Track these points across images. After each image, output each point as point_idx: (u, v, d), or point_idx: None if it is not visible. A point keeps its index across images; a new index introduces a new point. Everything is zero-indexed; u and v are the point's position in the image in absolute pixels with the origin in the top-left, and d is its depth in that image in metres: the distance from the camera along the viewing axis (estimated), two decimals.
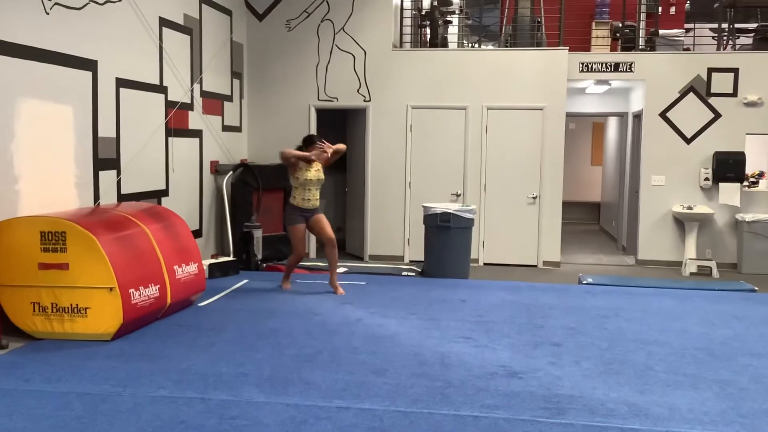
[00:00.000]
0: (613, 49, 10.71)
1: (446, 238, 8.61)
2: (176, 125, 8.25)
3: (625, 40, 10.62)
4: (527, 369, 4.94)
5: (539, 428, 3.90)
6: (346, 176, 11.06)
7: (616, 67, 10.10)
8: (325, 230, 7.34)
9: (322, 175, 7.36)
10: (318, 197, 7.37)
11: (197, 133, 8.85)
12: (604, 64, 10.15)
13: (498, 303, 7.15)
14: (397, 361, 5.10)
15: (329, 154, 7.34)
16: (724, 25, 10.58)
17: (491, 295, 7.55)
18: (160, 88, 7.90)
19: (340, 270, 8.98)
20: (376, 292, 7.58)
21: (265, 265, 9.03)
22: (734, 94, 9.82)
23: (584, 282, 8.59)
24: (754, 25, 10.69)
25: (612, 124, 13.39)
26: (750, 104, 9.77)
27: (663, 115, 10.02)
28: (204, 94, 8.99)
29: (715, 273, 9.49)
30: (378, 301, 7.12)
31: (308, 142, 7.40)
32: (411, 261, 10.02)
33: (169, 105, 8.07)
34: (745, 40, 10.93)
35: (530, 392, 4.47)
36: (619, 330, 6.15)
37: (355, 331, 5.95)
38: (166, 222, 6.60)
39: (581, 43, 10.65)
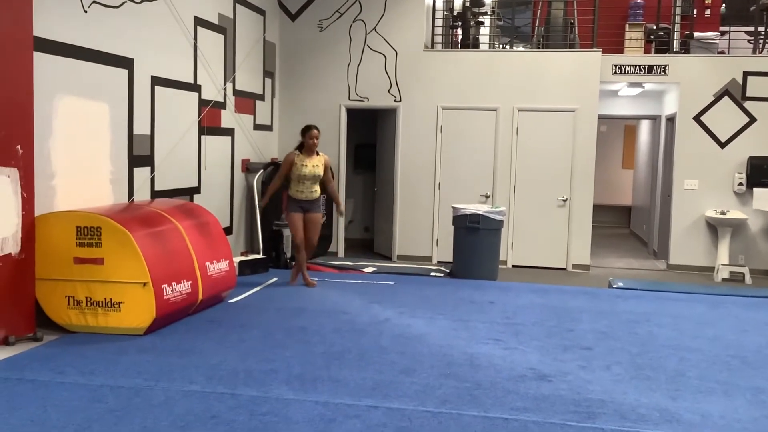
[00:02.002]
0: (646, 51, 10.60)
1: (475, 240, 8.59)
2: (209, 123, 8.33)
3: (659, 43, 10.50)
4: (557, 372, 4.92)
5: None
6: (375, 176, 11.08)
7: (649, 69, 10.00)
8: (310, 236, 7.65)
9: (319, 171, 7.53)
10: (314, 189, 7.60)
11: (229, 132, 8.93)
12: (637, 67, 10.04)
13: (527, 305, 7.12)
14: (426, 361, 5.10)
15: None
16: (761, 29, 10.42)
17: (520, 297, 7.52)
18: (194, 87, 7.98)
19: (368, 270, 9.01)
20: (405, 292, 7.59)
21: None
22: None
23: (615, 286, 8.52)
24: None
25: (644, 127, 13.26)
26: None
27: (697, 118, 9.90)
28: (236, 93, 9.07)
29: (748, 279, 9.35)
30: (406, 301, 7.13)
31: (305, 130, 7.64)
32: (439, 262, 10.01)
33: (203, 103, 8.15)
34: None
35: (560, 396, 4.45)
36: (650, 335, 6.09)
37: (384, 330, 5.96)
38: (198, 219, 6.67)
39: (614, 45, 10.56)
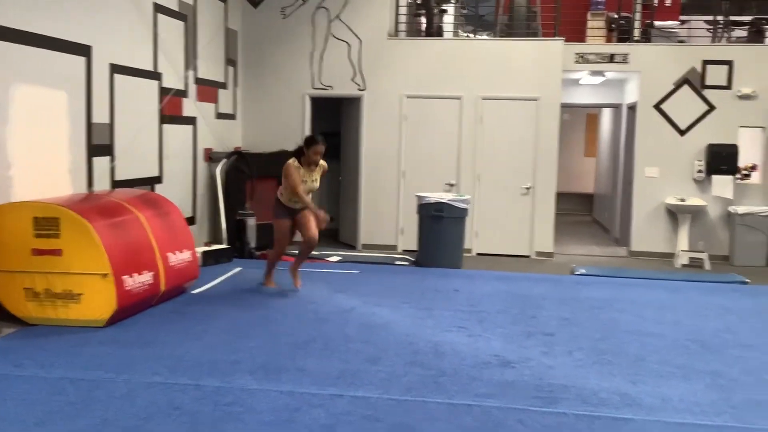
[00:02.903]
0: (608, 40, 10.70)
1: (440, 228, 8.62)
2: (170, 112, 8.21)
3: (620, 32, 10.61)
4: (520, 359, 4.96)
5: (532, 417, 3.92)
6: (339, 165, 11.05)
7: (611, 58, 10.10)
8: (308, 227, 6.79)
9: (316, 185, 6.89)
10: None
11: (191, 121, 8.81)
12: (599, 55, 10.14)
13: (491, 293, 7.17)
14: (391, 349, 5.11)
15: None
16: (720, 18, 10.58)
17: (484, 285, 7.57)
18: (155, 75, 7.86)
19: (333, 259, 8.99)
20: (370, 281, 7.59)
21: (258, 253, 9.02)
22: (728, 86, 9.83)
23: (577, 273, 8.62)
24: (749, 18, 10.69)
25: (606, 115, 13.40)
26: (744, 97, 9.79)
27: (657, 106, 10.03)
28: (198, 81, 8.95)
29: (707, 265, 9.53)
30: (371, 290, 7.13)
31: (310, 143, 6.74)
32: (404, 250, 10.02)
33: (163, 92, 8.03)
34: (741, 32, 10.93)
35: (523, 382, 4.49)
36: (612, 321, 6.18)
37: (349, 319, 5.96)
38: (160, 209, 6.58)
39: (577, 34, 10.64)
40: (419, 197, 8.86)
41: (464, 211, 8.68)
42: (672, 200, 9.90)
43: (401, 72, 10.10)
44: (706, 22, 10.78)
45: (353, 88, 10.23)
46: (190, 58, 8.71)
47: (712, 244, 9.95)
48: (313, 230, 6.81)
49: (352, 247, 10.29)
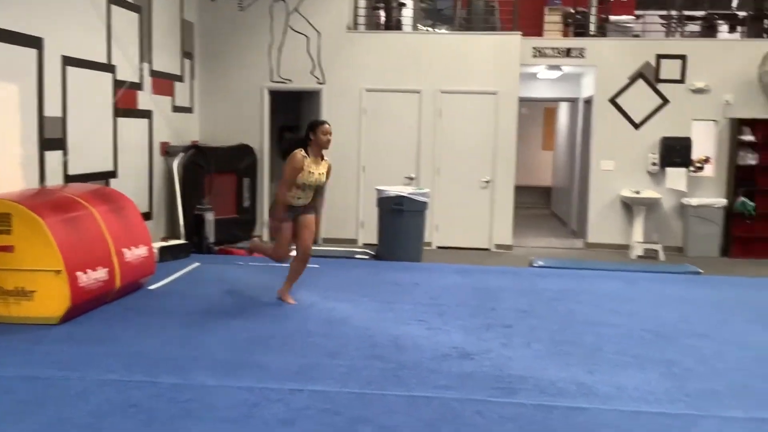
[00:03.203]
0: (565, 34, 10.81)
1: (399, 222, 8.63)
2: (125, 105, 8.06)
3: (576, 26, 10.73)
4: (479, 350, 4.99)
5: (490, 408, 3.95)
6: None
7: (567, 52, 10.21)
8: (303, 237, 6.13)
9: (324, 180, 6.13)
10: (312, 196, 6.14)
11: (147, 114, 8.67)
12: (556, 50, 10.24)
13: (451, 286, 7.20)
14: (351, 343, 5.10)
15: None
16: (674, 12, 10.77)
17: (444, 278, 7.60)
18: (108, 67, 7.71)
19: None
20: (330, 276, 7.56)
21: (217, 248, 8.93)
22: (682, 80, 10.02)
23: (535, 265, 8.71)
24: (702, 13, 10.90)
25: (563, 109, 13.56)
26: (697, 91, 9.98)
27: (613, 100, 10.18)
28: (154, 74, 8.80)
29: (662, 256, 9.71)
30: (331, 284, 7.11)
31: (317, 125, 6.03)
32: (364, 244, 10.01)
33: (118, 84, 7.88)
34: (694, 27, 11.14)
35: (482, 373, 4.52)
36: (570, 312, 6.25)
37: (308, 314, 5.93)
38: (114, 204, 6.47)
39: (534, 29, 10.72)
40: (379, 191, 8.85)
41: (424, 204, 8.71)
42: (627, 193, 10.06)
43: (361, 65, 10.08)
44: (661, 16, 10.96)
45: (313, 82, 10.18)
46: (145, 51, 8.57)
47: (667, 236, 10.14)
48: (309, 241, 6.19)
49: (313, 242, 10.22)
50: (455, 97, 10.03)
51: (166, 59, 9.20)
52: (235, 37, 10.21)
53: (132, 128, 8.28)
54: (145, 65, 8.57)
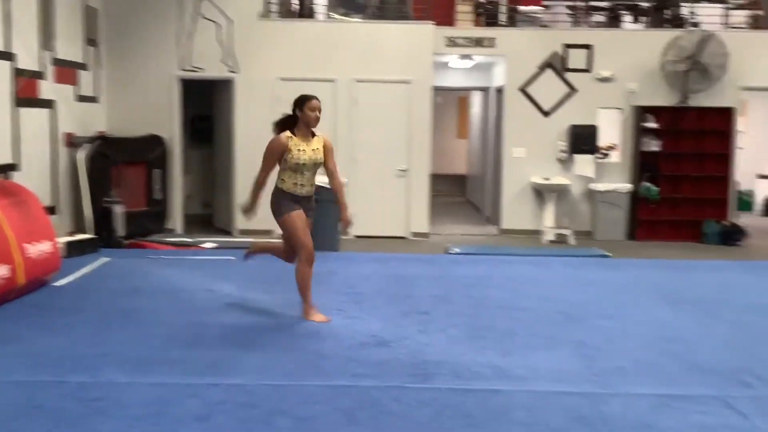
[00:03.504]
0: (477, 24, 10.96)
1: (317, 212, 8.54)
2: (25, 95, 7.70)
3: (487, 16, 10.90)
4: (396, 338, 5.02)
5: (407, 394, 3.97)
6: (212, 149, 10.77)
7: (479, 42, 10.36)
8: (309, 240, 5.43)
9: (320, 157, 5.38)
10: (313, 182, 5.46)
11: (49, 104, 8.31)
12: (467, 39, 10.38)
13: (368, 274, 7.22)
14: (269, 334, 5.05)
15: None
16: (580, 3, 11.06)
17: (361, 266, 7.61)
18: (7, 56, 7.34)
19: (209, 245, 8.76)
20: (247, 267, 7.41)
21: (128, 242, 8.66)
22: (589, 69, 10.32)
23: (452, 252, 8.83)
24: (607, 3, 11.23)
25: (476, 98, 13.76)
26: (603, 80, 10.31)
27: (523, 89, 10.39)
28: (56, 62, 8.44)
29: (572, 240, 10.01)
30: (248, 276, 7.00)
31: (303, 101, 5.34)
32: (281, 235, 9.89)
33: (18, 73, 7.52)
34: (600, 17, 11.47)
35: (399, 360, 4.55)
36: (484, 297, 6.36)
37: (224, 306, 5.83)
38: (15, 198, 6.17)
39: (446, 18, 10.83)
40: None
41: None
42: (538, 179, 10.31)
43: (274, 54, 9.95)
44: (568, 7, 11.24)
45: (225, 71, 9.98)
46: (47, 38, 8.20)
47: (576, 221, 10.46)
48: (310, 241, 5.40)
49: (229, 233, 10.07)
50: (370, 86, 10.03)
51: (69, 47, 8.83)
52: (143, 23, 9.90)
53: (34, 119, 7.92)
54: (47, 53, 8.20)
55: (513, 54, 10.35)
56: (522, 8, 10.97)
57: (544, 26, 10.98)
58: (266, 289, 6.41)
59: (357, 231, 10.09)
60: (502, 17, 11.04)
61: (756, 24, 11.00)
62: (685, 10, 10.86)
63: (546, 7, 11.22)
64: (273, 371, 4.29)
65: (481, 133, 12.93)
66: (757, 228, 11.20)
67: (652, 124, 10.41)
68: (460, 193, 15.67)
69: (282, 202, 5.35)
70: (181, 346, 4.75)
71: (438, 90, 11.04)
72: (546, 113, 10.41)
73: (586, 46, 10.29)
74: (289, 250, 5.59)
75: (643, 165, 10.45)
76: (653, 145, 10.47)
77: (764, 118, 13.15)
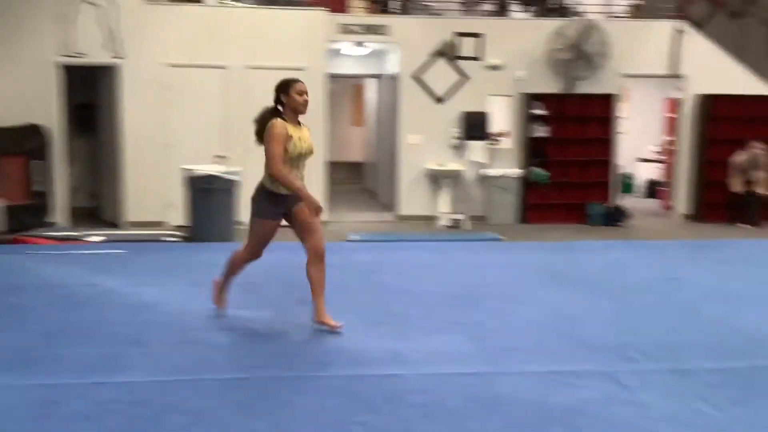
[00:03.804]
0: (370, 11, 10.97)
1: (210, 202, 8.39)
2: None
3: (381, 4, 10.92)
4: (292, 326, 4.97)
5: (304, 383, 3.94)
6: (97, 138, 10.32)
7: (372, 29, 10.37)
8: (316, 230, 4.88)
9: (312, 146, 4.91)
10: (304, 174, 4.91)
11: None
12: (361, 26, 10.37)
13: (264, 264, 7.05)
14: (158, 330, 4.88)
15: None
16: None
17: None
18: None
19: (96, 239, 8.41)
20: (136, 260, 7.20)
21: (12, 237, 8.20)
22: (479, 57, 10.52)
23: (350, 239, 8.83)
24: None
25: (372, 85, 13.79)
26: (493, 67, 10.53)
27: (416, 77, 10.49)
28: None
29: (466, 225, 10.21)
30: (138, 269, 6.77)
31: (289, 84, 4.83)
32: (177, 226, 9.62)
33: None
34: (489, 6, 11.71)
35: (296, 349, 4.52)
36: (382, 283, 6.40)
37: (111, 302, 5.60)
38: None
39: (340, 5, 10.78)
40: (186, 170, 8.54)
41: (234, 183, 8.51)
42: (433, 166, 10.46)
43: (162, 39, 9.62)
44: None
45: (110, 56, 9.56)
46: None
47: (470, 206, 10.67)
48: (319, 235, 4.90)
49: (115, 225, 9.70)
50: (263, 73, 9.78)
51: None
52: (17, 6, 9.33)
53: None
54: None
55: (406, 41, 10.42)
56: None
57: (437, 14, 11.11)
58: (157, 282, 6.22)
59: None
60: (396, 5, 11.09)
61: (637, 13, 11.52)
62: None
63: None
64: (163, 367, 4.15)
65: (377, 121, 12.98)
66: (638, 209, 11.76)
67: (540, 111, 10.73)
68: (358, 180, 15.68)
69: (265, 205, 4.78)
70: (64, 344, 4.53)
71: (333, 77, 10.97)
72: (439, 100, 10.55)
73: (477, 35, 10.48)
74: (246, 253, 5.13)
75: (533, 150, 10.77)
76: (541, 131, 10.80)
77: (644, 104, 13.80)
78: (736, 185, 10.60)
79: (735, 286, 6.36)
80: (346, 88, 15.79)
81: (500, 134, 10.72)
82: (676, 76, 10.97)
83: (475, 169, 10.67)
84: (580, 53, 10.48)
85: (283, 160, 4.64)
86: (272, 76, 9.64)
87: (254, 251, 5.05)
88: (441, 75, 10.48)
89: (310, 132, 4.95)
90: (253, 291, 5.98)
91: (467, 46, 10.47)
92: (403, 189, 10.70)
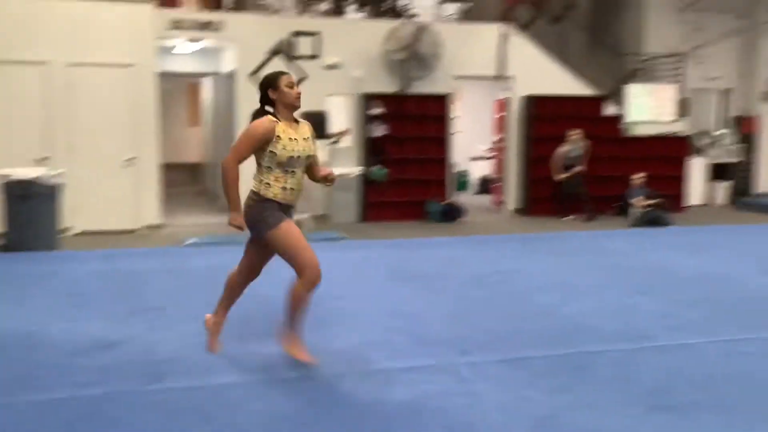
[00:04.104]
0: (204, 7, 10.64)
1: (29, 208, 7.77)
2: None
3: (215, 0, 10.64)
4: (124, 338, 4.70)
5: (137, 398, 3.72)
6: None
7: (206, 26, 10.07)
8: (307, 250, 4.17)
9: (313, 148, 4.25)
10: (302, 184, 4.25)
11: None
12: (195, 23, 10.04)
13: (92, 273, 6.70)
14: None
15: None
16: None
17: (84, 265, 7.06)
18: None
19: None
20: None
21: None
22: (317, 56, 10.49)
23: (188, 243, 8.52)
24: None
25: (208, 84, 13.42)
26: (331, 67, 10.54)
27: (254, 75, 10.28)
28: None
29: (309, 224, 10.14)
30: None
31: (276, 77, 4.20)
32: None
33: None
34: (326, 6, 11.72)
35: (128, 362, 4.27)
36: (220, 288, 6.18)
37: None
38: None
39: (172, 0, 10.39)
40: (2, 176, 7.87)
41: (56, 187, 7.95)
42: None
43: None
44: None
45: None
46: None
47: (312, 205, 10.61)
48: (316, 257, 4.16)
49: None
50: (87, 70, 9.28)
51: None
52: None
53: None
54: None
55: (242, 39, 10.21)
56: None
57: (273, 12, 10.96)
58: None
59: (82, 226, 9.34)
60: (230, 1, 10.83)
61: (467, 16, 11.95)
62: (402, 2, 11.48)
63: None
64: None
65: (215, 120, 12.65)
66: (473, 205, 12.22)
67: (378, 110, 10.87)
68: (197, 182, 15.22)
69: (266, 212, 4.08)
70: None
71: (165, 76, 10.56)
72: None
73: (314, 34, 10.45)
74: (245, 269, 4.49)
75: (372, 149, 10.90)
76: (380, 130, 10.95)
77: (475, 104, 14.38)
78: (560, 174, 11.21)
79: (562, 277, 6.74)
80: (180, 87, 15.28)
81: (340, 133, 10.75)
82: (503, 78, 11.50)
83: None
84: (413, 54, 10.73)
85: (241, 159, 4.05)
86: (97, 73, 9.29)
87: (312, 266, 4.08)
88: None
89: (310, 128, 4.29)
90: (83, 303, 5.61)
91: (305, 45, 10.41)
92: (243, 190, 10.43)
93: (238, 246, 8.18)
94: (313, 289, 4.13)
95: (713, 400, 3.80)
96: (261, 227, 4.09)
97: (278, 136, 4.02)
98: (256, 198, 4.11)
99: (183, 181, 14.96)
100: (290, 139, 4.06)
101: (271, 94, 4.15)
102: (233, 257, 7.48)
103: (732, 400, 3.80)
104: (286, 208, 4.15)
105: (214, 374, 4.09)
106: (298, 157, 4.08)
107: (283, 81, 4.14)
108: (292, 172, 4.10)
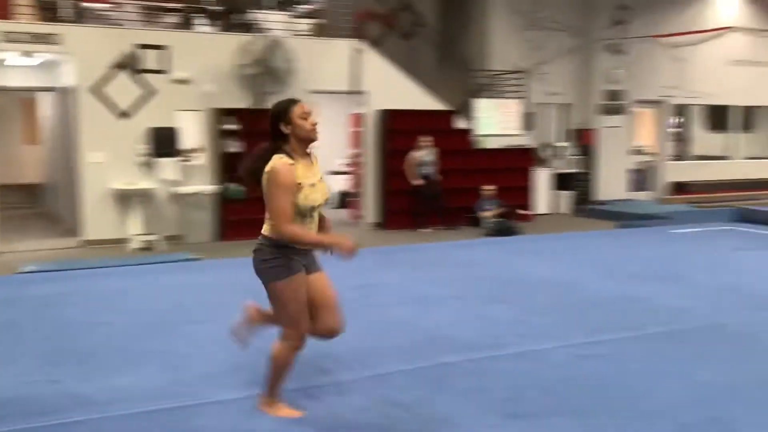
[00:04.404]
0: (40, 19, 9.98)
1: None
2: None
3: (50, 11, 10.00)
4: None
5: None
6: None
7: (42, 38, 9.45)
8: (329, 307, 3.83)
9: (327, 188, 3.85)
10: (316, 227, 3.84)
11: None
12: (29, 35, 9.39)
13: None
14: None
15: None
16: (153, 3, 10.79)
17: None
18: None
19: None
20: None
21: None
22: (166, 71, 10.11)
23: (24, 271, 7.90)
24: (180, 5, 11.12)
25: (46, 100, 12.61)
26: (181, 81, 10.19)
27: (96, 90, 9.77)
28: None
29: (161, 246, 9.73)
30: None
31: (289, 105, 3.72)
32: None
33: None
34: (174, 19, 11.32)
35: None
36: (62, 317, 5.79)
37: None
38: None
39: (2, 11, 9.66)
40: None
41: None
42: (120, 185, 9.82)
43: None
44: (140, 6, 10.87)
45: None
46: None
47: (165, 225, 10.20)
48: (339, 316, 3.84)
49: None
50: None
51: None
52: None
53: None
54: None
55: (82, 52, 9.65)
56: (88, 5, 10.29)
57: (116, 25, 10.46)
58: None
59: None
60: (68, 12, 10.22)
61: (319, 32, 11.94)
62: (253, 16, 11.30)
63: (115, 4, 10.69)
64: None
65: (54, 138, 11.89)
66: (331, 220, 12.14)
67: (232, 126, 10.61)
68: (34, 204, 14.21)
69: (280, 260, 3.65)
70: None
71: None
72: (123, 115, 9.93)
73: (161, 47, 10.07)
74: (290, 349, 3.76)
75: (227, 166, 10.61)
76: (235, 146, 10.69)
77: (332, 119, 14.38)
78: (415, 179, 11.37)
79: (420, 289, 6.81)
80: (15, 103, 14.28)
81: (192, 150, 10.40)
82: (358, 92, 11.58)
83: (167, 187, 10.22)
84: (266, 69, 10.57)
85: (290, 216, 3.58)
86: None
87: (298, 329, 3.68)
88: (124, 88, 9.88)
89: (319, 164, 3.83)
90: None
91: (151, 59, 10.00)
92: (87, 211, 9.87)
93: (84, 270, 7.75)
94: (295, 351, 3.73)
95: (567, 405, 3.94)
96: (271, 274, 3.68)
97: (300, 184, 3.58)
98: (268, 243, 3.69)
99: (19, 202, 13.93)
100: (311, 185, 3.63)
101: (284, 128, 3.65)
102: (78, 282, 7.09)
103: (585, 404, 3.95)
104: (307, 258, 3.77)
105: (57, 413, 3.78)
106: (320, 204, 3.73)
107: (296, 112, 3.67)
108: (311, 216, 3.70)
